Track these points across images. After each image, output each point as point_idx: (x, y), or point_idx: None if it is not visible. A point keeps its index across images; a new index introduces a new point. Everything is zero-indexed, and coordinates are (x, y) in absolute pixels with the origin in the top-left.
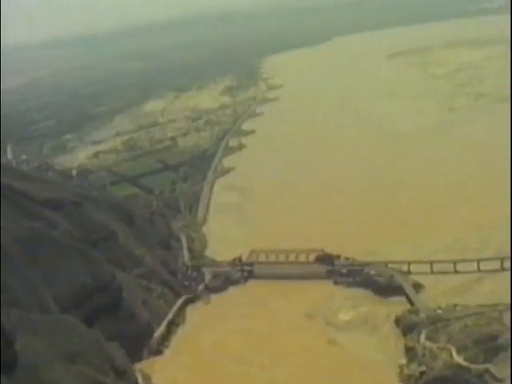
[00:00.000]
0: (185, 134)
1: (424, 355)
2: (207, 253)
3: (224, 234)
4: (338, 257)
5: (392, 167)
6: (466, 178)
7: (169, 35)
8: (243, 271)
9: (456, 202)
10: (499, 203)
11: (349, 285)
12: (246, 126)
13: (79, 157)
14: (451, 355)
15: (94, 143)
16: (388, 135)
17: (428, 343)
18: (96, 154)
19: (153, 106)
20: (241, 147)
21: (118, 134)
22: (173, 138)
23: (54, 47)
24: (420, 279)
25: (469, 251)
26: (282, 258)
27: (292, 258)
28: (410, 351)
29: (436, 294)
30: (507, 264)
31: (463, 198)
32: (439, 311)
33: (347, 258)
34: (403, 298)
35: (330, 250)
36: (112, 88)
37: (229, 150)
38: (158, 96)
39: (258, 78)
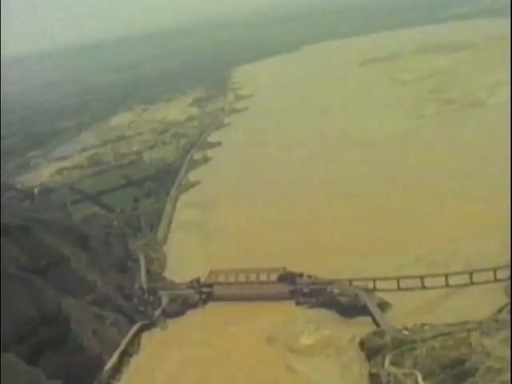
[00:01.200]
0: (151, 148)
1: (389, 382)
2: (166, 274)
3: (184, 254)
4: (301, 275)
5: (359, 178)
6: (435, 188)
7: (143, 47)
8: (202, 293)
9: (425, 214)
10: (469, 214)
11: (312, 305)
12: (212, 138)
13: (42, 174)
14: (417, 382)
15: (59, 159)
16: (356, 144)
17: (393, 369)
18: (60, 171)
19: (121, 119)
20: (206, 160)
21: (83, 150)
22: (138, 152)
23: (26, 62)
24: (386, 296)
25: (437, 265)
26: (242, 278)
27: (252, 277)
28: (374, 378)
29: (403, 312)
30: (476, 278)
31: (432, 210)
32: (405, 332)
33: (310, 276)
34: (368, 319)
35: (293, 267)
36: (81, 102)
37: (194, 163)
38: (126, 109)
39: (228, 89)
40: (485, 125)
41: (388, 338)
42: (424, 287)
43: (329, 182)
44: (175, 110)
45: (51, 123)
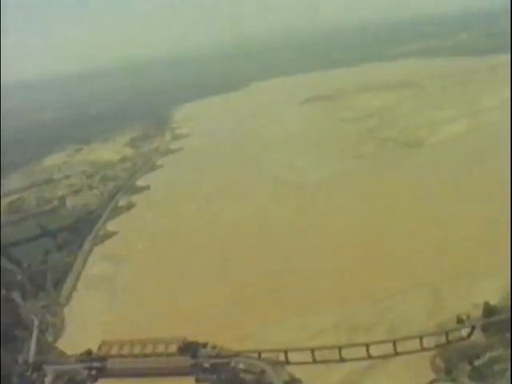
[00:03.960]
0: (76, 192)
1: None
2: (59, 343)
3: (85, 317)
4: (205, 345)
5: (288, 229)
6: (365, 239)
7: (86, 85)
8: (92, 369)
9: (349, 269)
10: (396, 269)
11: (212, 383)
12: (141, 182)
13: None
14: None
15: None
16: (289, 188)
17: None
18: None
19: (53, 160)
20: (130, 207)
21: (6, 194)
22: (62, 197)
23: None
24: (299, 371)
25: (358, 331)
26: (137, 349)
27: (149, 349)
28: None
29: None
30: (401, 347)
31: (358, 264)
32: None
33: (214, 347)
34: None
35: (200, 334)
36: (14, 142)
37: (117, 211)
38: (61, 149)
39: (167, 128)
40: (421, 166)
41: None
42: (342, 359)
43: (256, 233)
44: (109, 151)
45: None
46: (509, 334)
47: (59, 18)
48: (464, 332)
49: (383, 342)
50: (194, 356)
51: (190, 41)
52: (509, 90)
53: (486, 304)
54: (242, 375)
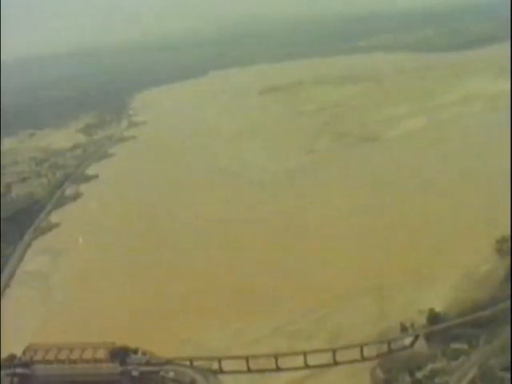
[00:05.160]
0: (24, 180)
1: None
2: None
3: (15, 317)
4: (136, 351)
5: (233, 227)
6: (312, 240)
7: (43, 69)
8: (14, 376)
9: (293, 271)
10: (345, 274)
11: None
12: (91, 170)
13: None
14: None
15: None
16: (239, 182)
17: None
18: None
19: (4, 145)
20: (76, 197)
21: None
22: (8, 185)
23: None
24: (232, 380)
25: (298, 337)
26: (64, 354)
27: (76, 354)
28: None
29: None
30: (340, 357)
31: (302, 266)
32: None
33: (145, 353)
34: None
35: (134, 338)
36: None
37: (63, 201)
38: (13, 134)
39: (123, 115)
40: (377, 161)
41: None
42: (278, 368)
43: (203, 229)
44: (62, 137)
45: None
46: (453, 345)
47: (17, 2)
48: (407, 341)
49: (322, 350)
50: (123, 363)
51: (152, 28)
52: (466, 86)
53: (431, 311)
54: None
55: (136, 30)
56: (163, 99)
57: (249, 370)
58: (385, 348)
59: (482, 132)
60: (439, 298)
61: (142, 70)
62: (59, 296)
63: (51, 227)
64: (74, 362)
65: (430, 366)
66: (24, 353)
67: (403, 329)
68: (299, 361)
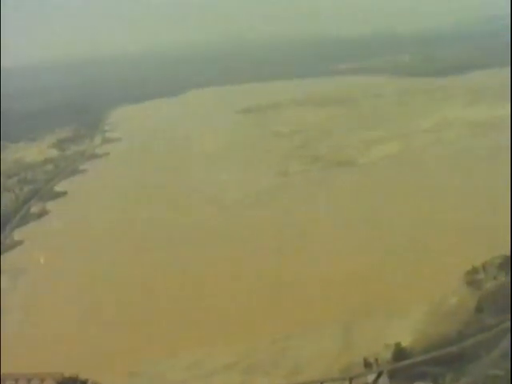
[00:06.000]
0: None
1: None
2: None
3: None
4: (85, 382)
5: (193, 252)
6: (274, 268)
7: (22, 80)
8: None
9: (254, 300)
10: (309, 303)
11: None
12: (60, 187)
13: None
14: None
15: None
16: (210, 204)
17: None
18: None
19: None
20: (41, 214)
21: None
22: None
23: None
24: None
25: (256, 372)
26: None
27: None
28: None
29: None
30: None
31: (266, 294)
32: None
33: None
34: None
35: (86, 369)
36: None
37: (27, 218)
38: None
39: (98, 130)
40: (350, 186)
41: None
42: None
43: (171, 252)
44: (34, 151)
45: None
46: (418, 383)
47: None
48: (370, 378)
49: None
50: None
51: (134, 42)
52: (442, 112)
53: (397, 345)
54: None
55: (117, 45)
56: (140, 116)
57: None
58: None
59: (457, 158)
60: (407, 330)
61: (122, 84)
62: (14, 319)
63: (14, 245)
64: None
65: None
66: None
67: (367, 364)
68: None
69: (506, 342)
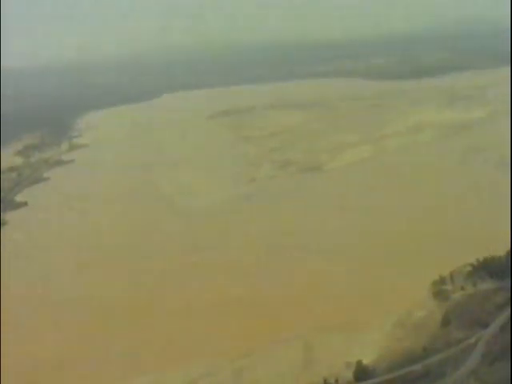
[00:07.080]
0: None
1: None
2: None
3: None
4: None
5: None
6: (236, 280)
7: None
8: None
9: (212, 316)
10: (269, 319)
11: None
12: (21, 196)
13: None
14: None
15: None
16: (177, 212)
17: None
18: None
19: None
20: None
21: None
22: None
23: None
24: None
25: None
26: None
27: None
28: None
29: None
30: None
31: (225, 310)
32: None
33: None
34: None
35: None
36: None
37: None
38: None
39: (65, 137)
40: (319, 191)
41: None
42: None
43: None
44: (2, 158)
45: None
46: None
47: None
48: None
49: None
50: None
51: (107, 46)
52: (416, 115)
53: (359, 364)
54: None
55: (89, 50)
56: (110, 121)
57: None
58: None
59: (430, 162)
60: (370, 347)
61: (94, 89)
62: None
63: None
64: None
65: None
66: None
67: None
68: None
69: (472, 359)
